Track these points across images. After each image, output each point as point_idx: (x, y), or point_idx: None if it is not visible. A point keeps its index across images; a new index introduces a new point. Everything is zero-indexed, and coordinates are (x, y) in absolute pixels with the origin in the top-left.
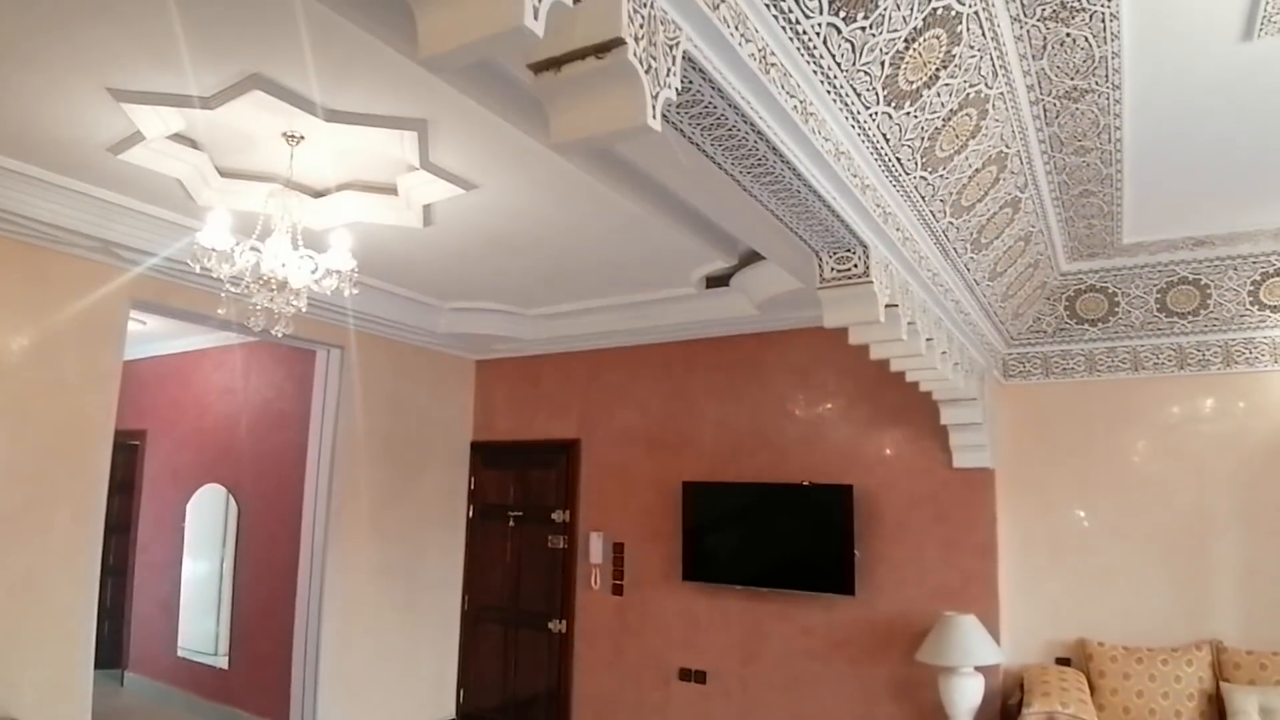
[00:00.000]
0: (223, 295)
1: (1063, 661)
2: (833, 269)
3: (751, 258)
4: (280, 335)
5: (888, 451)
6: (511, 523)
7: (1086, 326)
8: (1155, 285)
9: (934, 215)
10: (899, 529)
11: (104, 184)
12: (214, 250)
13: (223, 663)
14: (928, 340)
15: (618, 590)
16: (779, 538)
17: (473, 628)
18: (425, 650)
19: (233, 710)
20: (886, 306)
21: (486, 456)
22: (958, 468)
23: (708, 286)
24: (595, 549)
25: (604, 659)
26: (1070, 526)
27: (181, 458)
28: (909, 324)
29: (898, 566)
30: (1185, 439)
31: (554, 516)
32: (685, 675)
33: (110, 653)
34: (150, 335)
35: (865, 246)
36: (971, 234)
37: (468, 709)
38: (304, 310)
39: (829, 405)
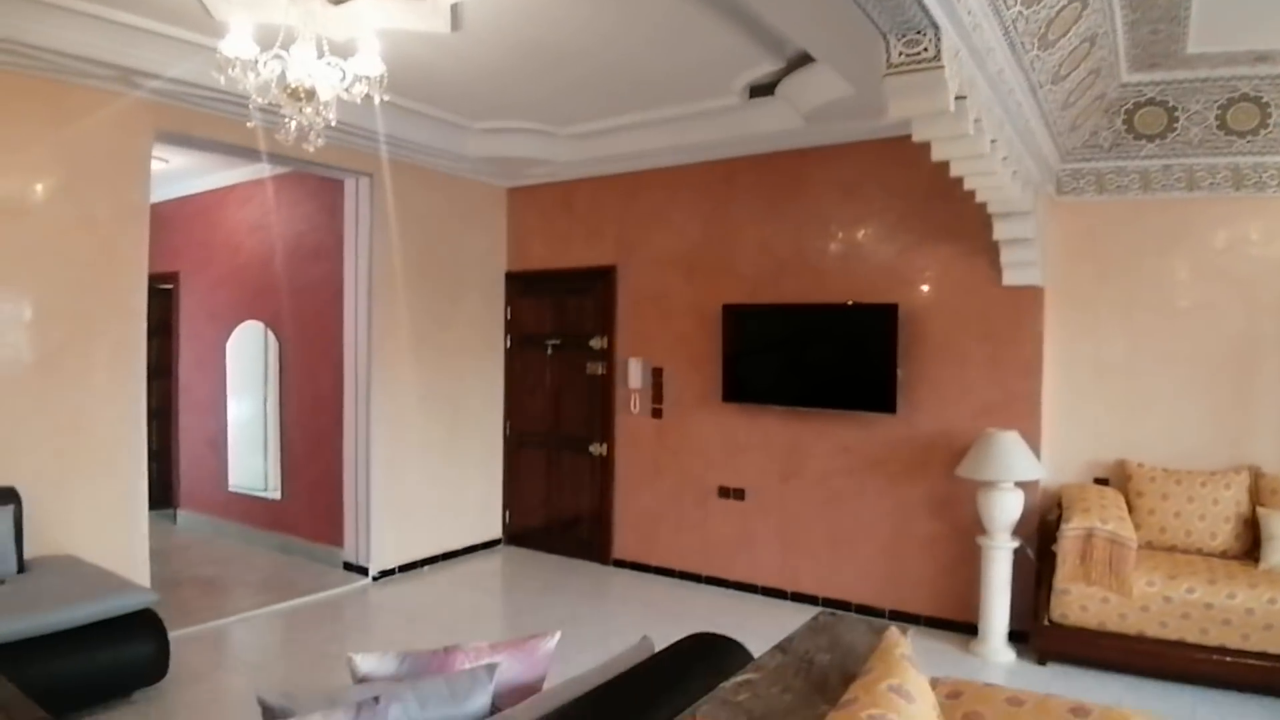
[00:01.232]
0: (251, 107)
1: (1101, 481)
2: (901, 53)
3: (800, 61)
4: (313, 150)
5: (934, 270)
6: (550, 351)
7: (1143, 142)
8: (1216, 101)
9: (1004, 1)
10: (943, 348)
11: (120, 6)
12: (238, 59)
13: (275, 494)
14: (991, 142)
15: (657, 414)
16: (820, 358)
17: (515, 453)
18: (470, 475)
19: (287, 538)
20: (955, 98)
21: (522, 285)
22: (1006, 285)
23: (751, 96)
24: (634, 374)
25: (644, 479)
26: (1115, 347)
27: (217, 297)
28: (975, 120)
29: (940, 385)
30: (1236, 262)
31: (592, 344)
32: (724, 493)
33: (162, 493)
34: (175, 174)
35: (936, 28)
36: (1039, 28)
37: (513, 530)
38: (334, 123)
39: (874, 224)
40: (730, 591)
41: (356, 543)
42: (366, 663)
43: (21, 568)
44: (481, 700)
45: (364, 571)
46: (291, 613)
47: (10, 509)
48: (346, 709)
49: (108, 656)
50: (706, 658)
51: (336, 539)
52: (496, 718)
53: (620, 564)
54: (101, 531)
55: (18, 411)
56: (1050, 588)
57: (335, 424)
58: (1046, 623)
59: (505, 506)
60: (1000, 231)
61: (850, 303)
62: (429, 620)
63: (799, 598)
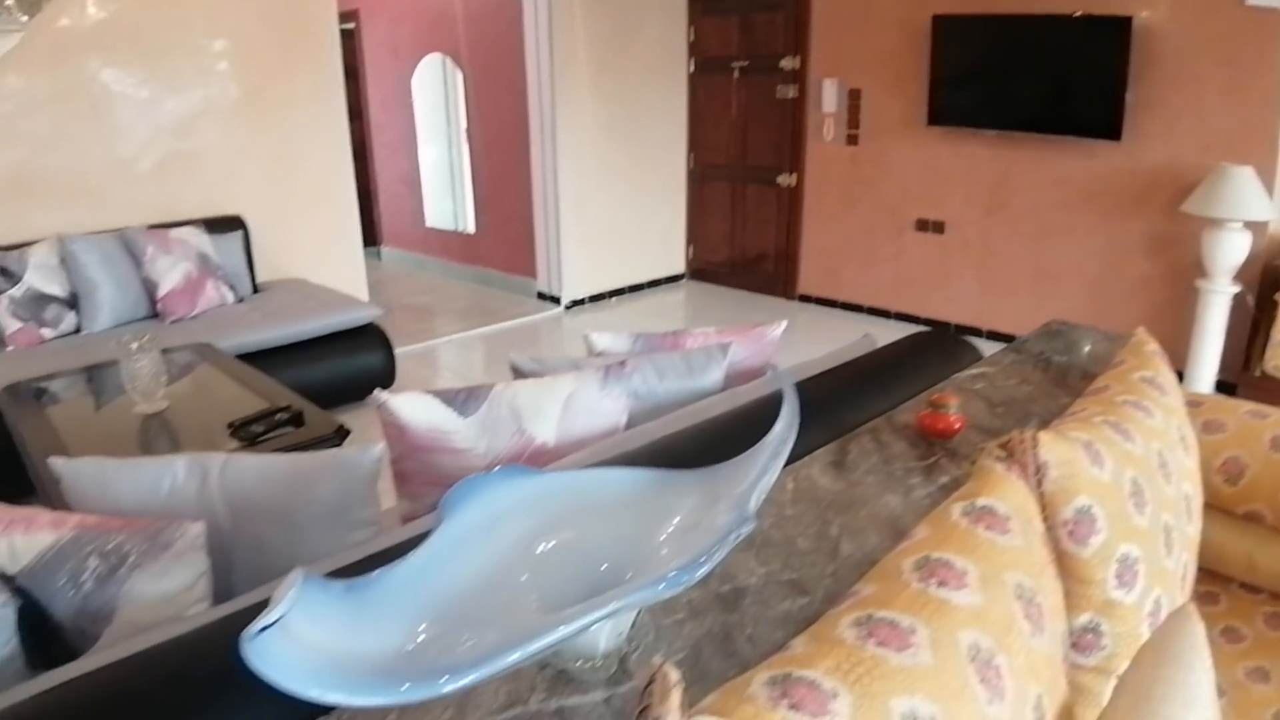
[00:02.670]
0: None
1: None
2: None
3: None
4: None
5: None
6: (736, 74)
7: None
8: None
9: None
10: (1176, 71)
11: None
12: None
13: (470, 228)
14: None
15: (852, 140)
16: (1039, 78)
17: (699, 185)
18: (654, 209)
19: (484, 271)
20: None
21: (706, 3)
22: (1250, 5)
23: None
24: (828, 97)
25: (835, 211)
26: None
27: (398, 33)
28: None
29: (1170, 112)
30: None
31: (782, 64)
32: (922, 226)
33: (365, 232)
34: None
35: None
36: None
37: (697, 265)
38: None
39: None
40: (921, 328)
41: (548, 274)
42: (602, 340)
43: (255, 289)
44: (715, 376)
45: (556, 301)
46: (494, 335)
47: (240, 234)
48: (595, 369)
49: (346, 364)
50: (936, 350)
51: (529, 270)
52: (732, 391)
53: (805, 299)
54: (322, 260)
55: (235, 142)
56: (1267, 338)
57: (522, 157)
58: (1258, 374)
59: (689, 241)
60: None
61: (1077, 13)
62: None
63: (994, 336)
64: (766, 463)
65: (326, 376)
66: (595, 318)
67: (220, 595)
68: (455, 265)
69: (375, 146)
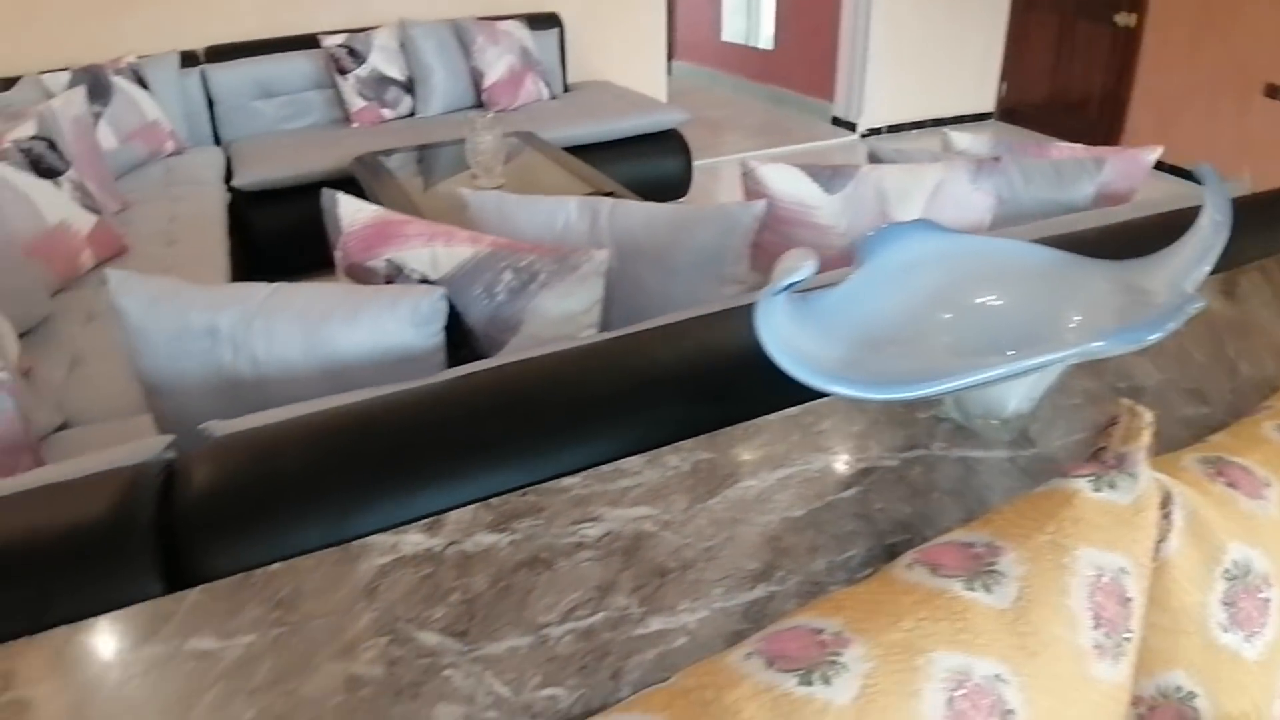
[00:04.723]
0: None
1: None
2: None
3: None
4: None
5: None
6: None
7: None
8: None
9: None
10: None
11: None
12: None
13: (768, 44)
14: None
15: None
16: None
17: (1023, 15)
18: (970, 37)
19: (778, 90)
20: None
21: None
22: None
23: None
24: None
25: (1175, 60)
26: None
27: None
28: None
29: None
30: None
31: None
32: (1273, 93)
33: None
34: None
35: None
36: None
37: (1009, 103)
38: None
39: None
40: None
41: (848, 97)
42: (962, 139)
43: (566, 88)
44: (1085, 190)
45: (851, 127)
46: (785, 157)
47: (556, 32)
48: (965, 161)
49: (647, 167)
50: None
51: (827, 92)
52: (1104, 210)
53: None
54: (628, 64)
55: None
56: None
57: None
58: None
59: (1003, 77)
60: None
61: None
62: None
63: None
64: (1199, 253)
65: (628, 178)
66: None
67: (599, 326)
68: (748, 83)
69: None
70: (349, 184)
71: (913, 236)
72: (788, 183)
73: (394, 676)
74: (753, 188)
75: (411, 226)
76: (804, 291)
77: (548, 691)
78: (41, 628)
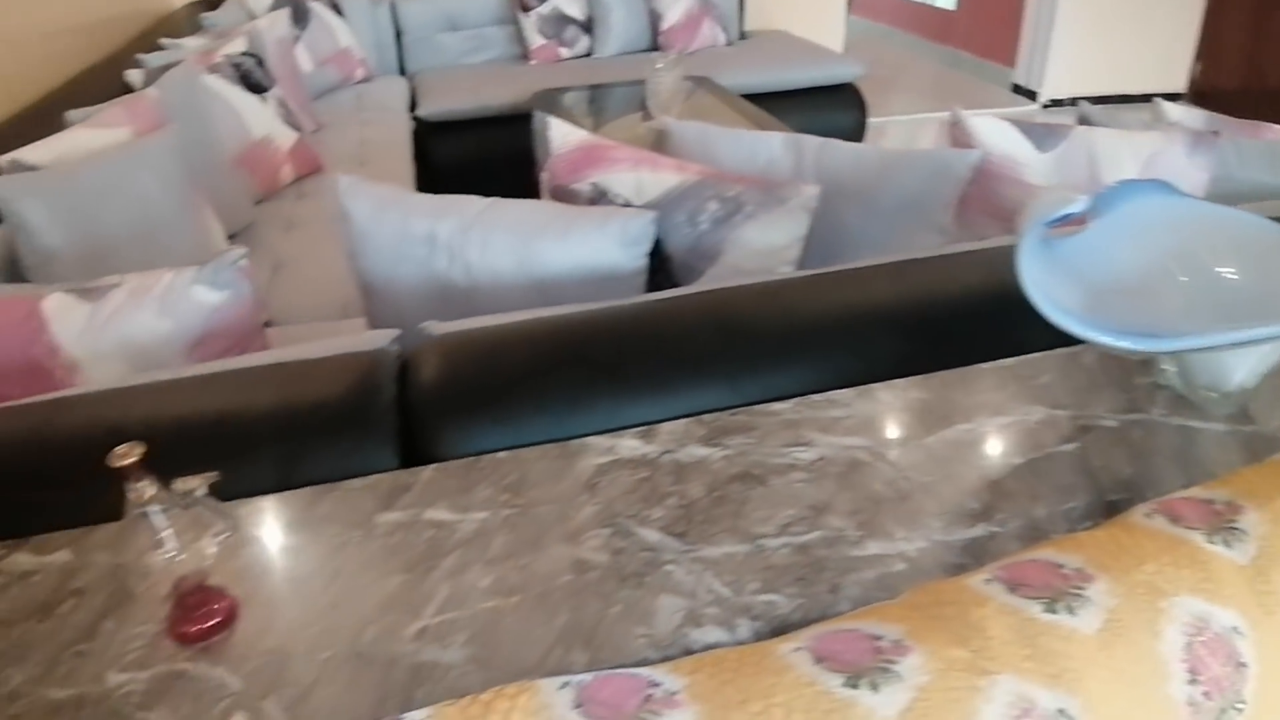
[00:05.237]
0: None
1: None
2: None
3: None
4: None
5: None
6: None
7: None
8: None
9: None
10: None
11: None
12: None
13: (949, 4)
14: None
15: None
16: None
17: None
18: (1162, 7)
19: (956, 52)
20: None
21: None
22: None
23: None
24: None
25: None
26: None
27: None
28: None
29: None
30: None
31: None
32: None
33: None
34: None
35: None
36: None
37: (1202, 86)
38: None
39: None
40: None
41: (1029, 64)
42: (1175, 110)
43: (742, 34)
44: None
45: (1032, 96)
46: None
47: None
48: (1183, 132)
49: (820, 120)
50: None
51: (1008, 58)
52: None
53: None
54: (806, 14)
55: None
56: None
57: None
58: None
59: (1198, 56)
60: None
61: None
62: None
63: None
64: None
65: (800, 129)
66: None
67: (797, 264)
68: (924, 42)
69: None
70: (524, 119)
71: (1151, 195)
72: (999, 136)
73: (618, 565)
74: (960, 139)
75: (619, 151)
76: (1046, 240)
77: (766, 597)
78: (291, 486)
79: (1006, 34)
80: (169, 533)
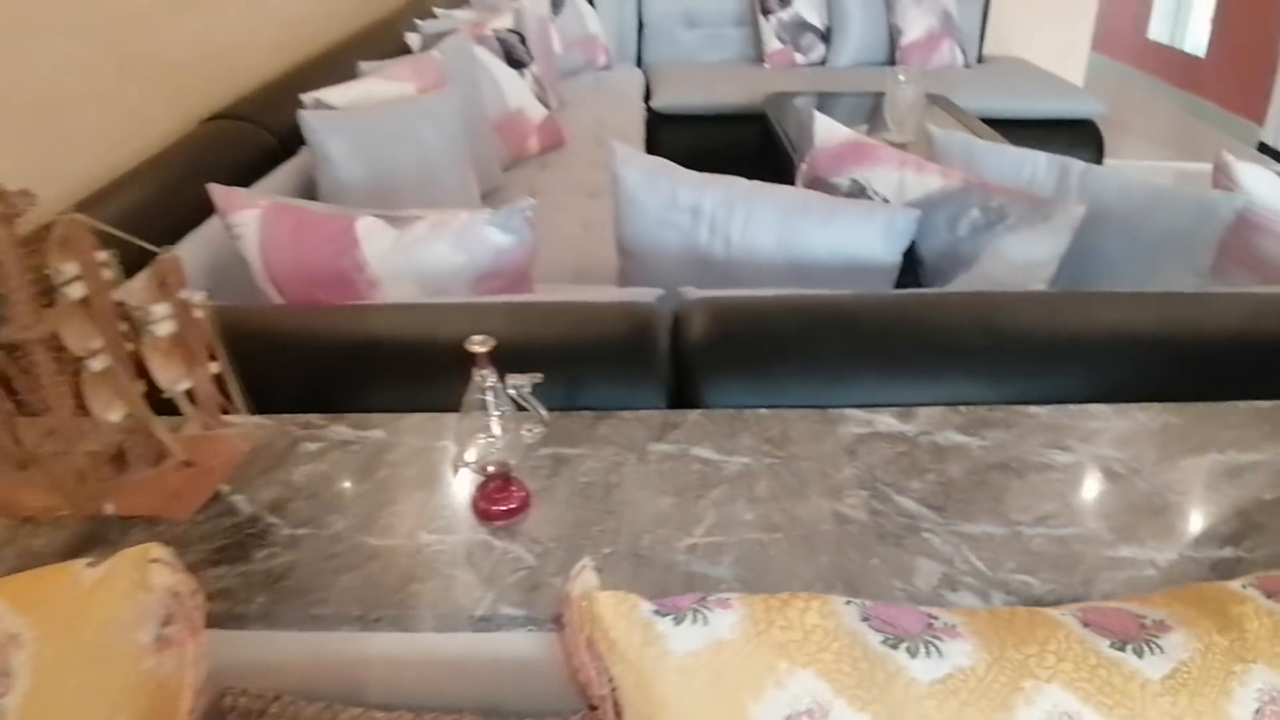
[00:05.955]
0: None
1: None
2: None
3: None
4: None
5: None
6: None
7: None
8: None
9: None
10: None
11: None
12: None
13: (1197, 49)
14: None
15: None
16: None
17: None
18: None
19: (1200, 101)
20: None
21: None
22: None
23: None
24: None
25: None
26: None
27: None
28: None
29: None
30: None
31: None
32: None
33: None
34: None
35: None
36: None
37: None
38: None
39: None
40: None
41: None
42: None
43: (980, 58)
44: None
45: (1277, 156)
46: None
47: (980, 1)
48: None
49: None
50: None
51: (1257, 115)
52: None
53: None
54: (1048, 44)
55: None
56: None
57: None
58: None
59: None
60: None
61: None
62: None
63: None
64: None
65: None
66: None
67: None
68: (1167, 87)
69: None
70: (753, 119)
71: None
72: (1266, 187)
73: (877, 524)
74: (1223, 184)
75: (884, 151)
76: None
77: (1022, 577)
78: (574, 408)
79: (1258, 88)
80: (496, 417)
